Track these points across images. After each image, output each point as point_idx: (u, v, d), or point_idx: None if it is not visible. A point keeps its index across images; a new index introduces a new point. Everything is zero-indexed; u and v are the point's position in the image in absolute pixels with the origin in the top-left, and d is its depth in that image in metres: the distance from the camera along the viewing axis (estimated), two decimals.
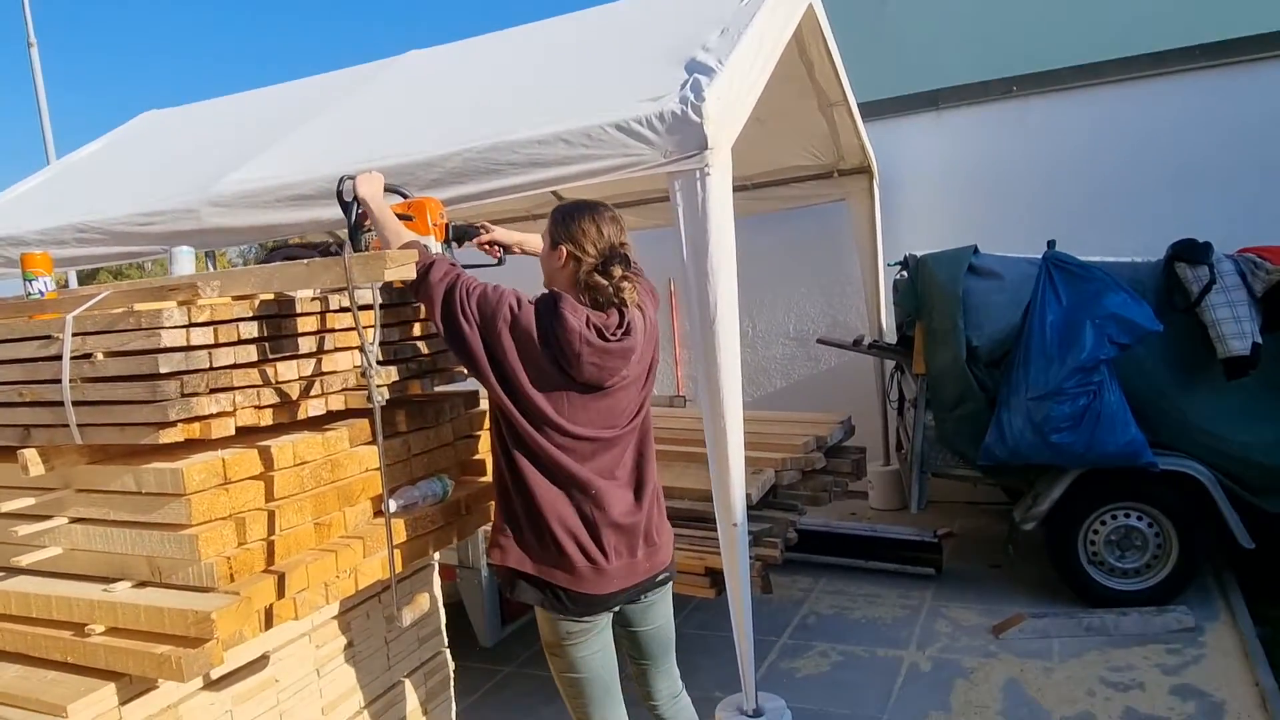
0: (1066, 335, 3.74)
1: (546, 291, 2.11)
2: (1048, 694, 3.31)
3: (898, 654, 3.73)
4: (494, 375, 1.97)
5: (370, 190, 2.24)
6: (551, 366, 1.98)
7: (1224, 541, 3.89)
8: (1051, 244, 4.03)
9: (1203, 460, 3.80)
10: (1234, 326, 3.68)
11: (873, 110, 5.55)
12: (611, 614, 2.16)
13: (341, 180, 2.27)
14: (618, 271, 2.04)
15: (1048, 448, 3.77)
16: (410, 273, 1.85)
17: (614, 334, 2.03)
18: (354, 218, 2.18)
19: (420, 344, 2.33)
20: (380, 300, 2.07)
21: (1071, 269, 3.87)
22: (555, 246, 2.08)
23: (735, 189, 2.85)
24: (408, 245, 2.08)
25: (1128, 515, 3.94)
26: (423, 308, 2.09)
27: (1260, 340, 3.68)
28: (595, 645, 2.12)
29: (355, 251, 2.11)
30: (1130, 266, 3.98)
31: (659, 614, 2.27)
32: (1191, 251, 3.84)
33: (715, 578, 3.12)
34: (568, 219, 2.08)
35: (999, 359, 3.95)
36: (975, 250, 4.15)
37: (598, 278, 2.04)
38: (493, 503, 2.54)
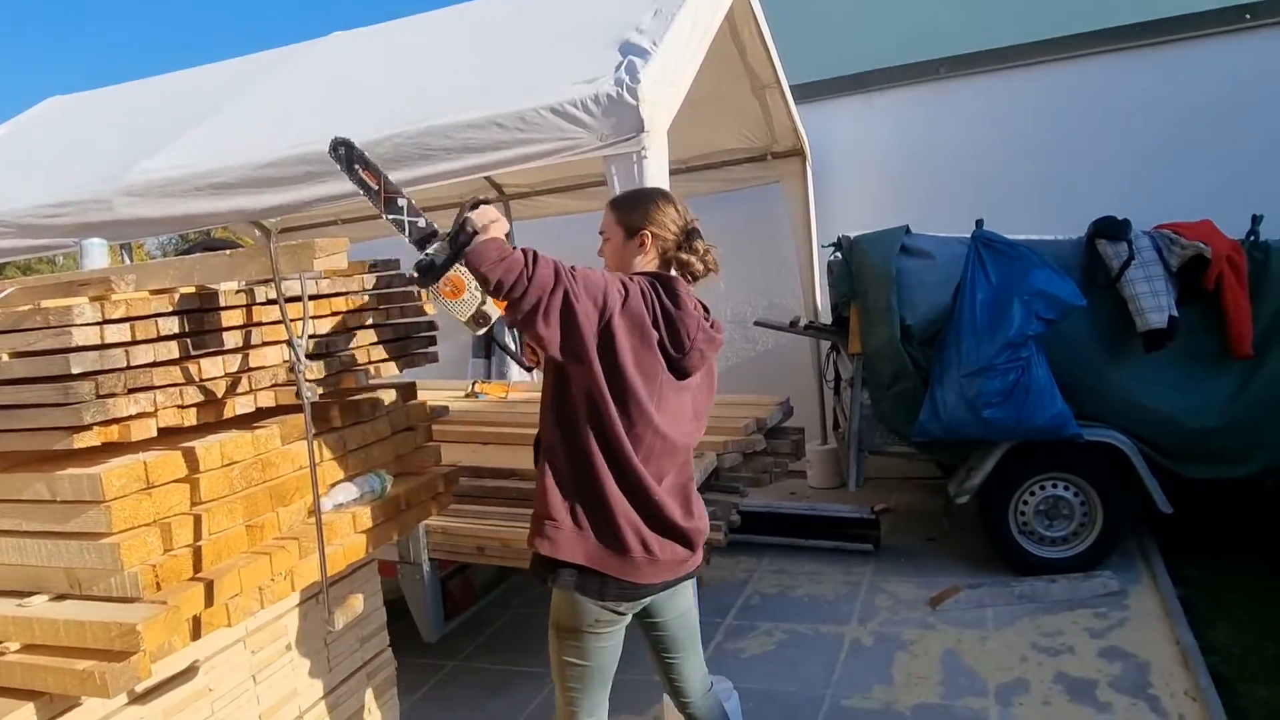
0: (996, 312, 3.84)
1: (644, 273, 2.01)
2: (983, 662, 3.42)
3: (840, 630, 3.79)
4: (598, 357, 1.86)
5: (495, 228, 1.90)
6: (656, 349, 1.92)
7: (1145, 507, 4.06)
8: (979, 223, 4.12)
9: (1125, 430, 3.95)
10: (1151, 301, 3.82)
11: (804, 93, 5.59)
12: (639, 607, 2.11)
13: (478, 203, 1.91)
14: (701, 245, 2.05)
15: (980, 422, 3.87)
16: (341, 262, 1.77)
17: (709, 322, 2.03)
18: (458, 245, 1.83)
19: (355, 335, 2.26)
20: (310, 291, 1.99)
21: (999, 247, 3.97)
22: (634, 234, 2.04)
23: (670, 172, 2.84)
24: (505, 258, 1.81)
25: (1055, 485, 4.08)
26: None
27: (1176, 313, 3.84)
28: (615, 638, 2.07)
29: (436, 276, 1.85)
30: (1054, 244, 4.10)
31: (685, 599, 2.22)
32: (1112, 228, 3.97)
33: None
34: (644, 204, 2.08)
35: (931, 337, 4.03)
36: (907, 230, 4.22)
37: (684, 254, 2.03)
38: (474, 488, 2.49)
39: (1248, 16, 5.04)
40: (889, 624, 3.82)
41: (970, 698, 3.17)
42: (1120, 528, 4.07)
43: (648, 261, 2.05)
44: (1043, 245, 4.03)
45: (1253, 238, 3.97)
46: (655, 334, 1.91)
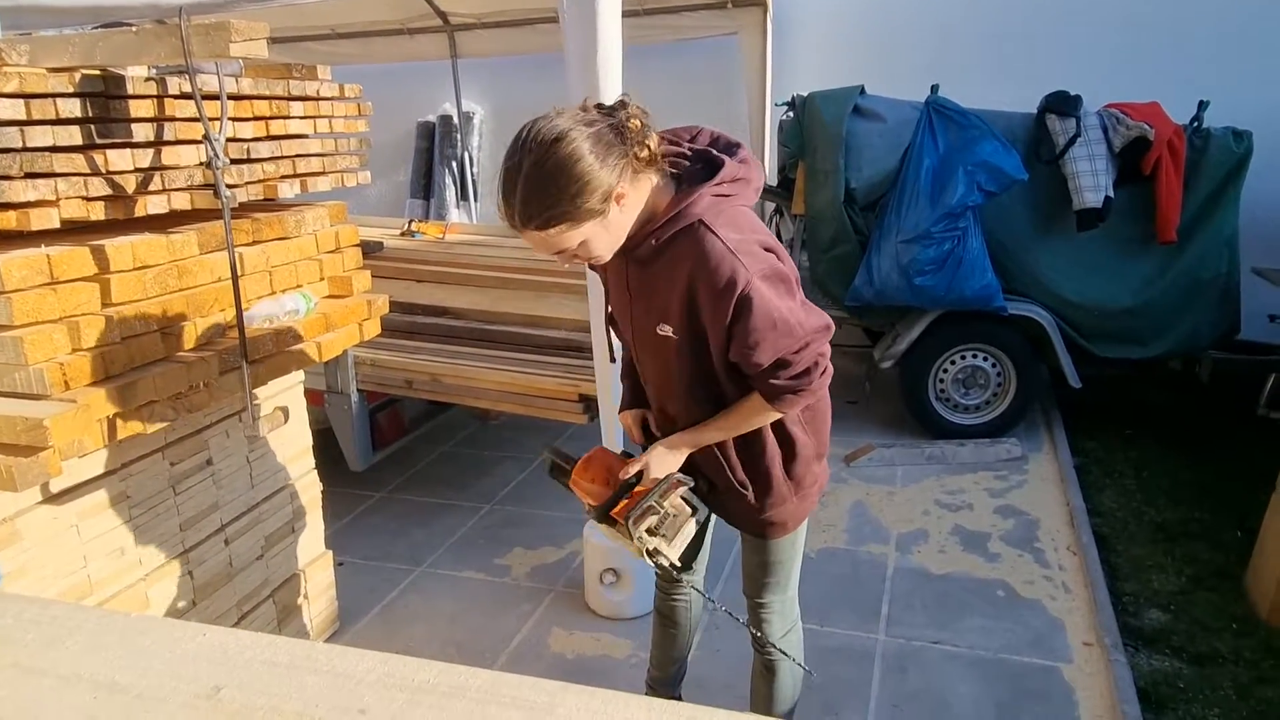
0: (940, 180, 3.83)
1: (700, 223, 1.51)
2: (888, 513, 3.62)
3: None
4: None
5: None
6: None
7: (1054, 381, 4.25)
8: (935, 89, 4.05)
9: (1046, 306, 4.07)
10: (1090, 180, 3.86)
11: None
12: None
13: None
14: (635, 121, 1.46)
15: (911, 290, 3.94)
16: (261, 49, 1.62)
17: None
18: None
19: (280, 144, 2.14)
20: (230, 90, 1.86)
21: (951, 115, 3.92)
22: (604, 208, 1.45)
23: (625, 14, 2.68)
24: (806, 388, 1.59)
25: (975, 356, 4.22)
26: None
27: (1112, 195, 3.89)
28: None
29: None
30: (1005, 116, 4.06)
31: None
32: (1063, 104, 3.94)
33: (589, 404, 3.17)
34: (571, 177, 1.39)
35: (874, 202, 4.03)
36: (862, 91, 4.13)
37: (650, 148, 1.48)
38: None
39: None
40: None
41: (873, 544, 3.38)
42: (1030, 399, 4.26)
43: (644, 196, 1.52)
44: (994, 116, 4.00)
45: (1196, 124, 4.00)
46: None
